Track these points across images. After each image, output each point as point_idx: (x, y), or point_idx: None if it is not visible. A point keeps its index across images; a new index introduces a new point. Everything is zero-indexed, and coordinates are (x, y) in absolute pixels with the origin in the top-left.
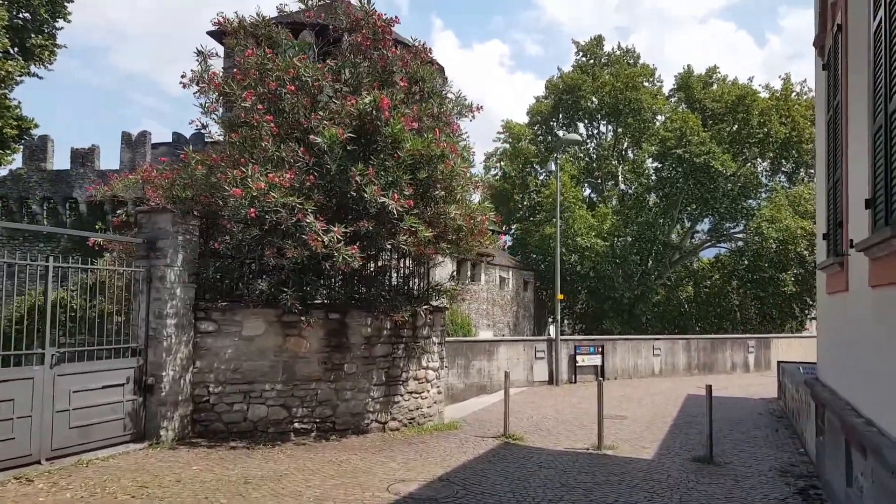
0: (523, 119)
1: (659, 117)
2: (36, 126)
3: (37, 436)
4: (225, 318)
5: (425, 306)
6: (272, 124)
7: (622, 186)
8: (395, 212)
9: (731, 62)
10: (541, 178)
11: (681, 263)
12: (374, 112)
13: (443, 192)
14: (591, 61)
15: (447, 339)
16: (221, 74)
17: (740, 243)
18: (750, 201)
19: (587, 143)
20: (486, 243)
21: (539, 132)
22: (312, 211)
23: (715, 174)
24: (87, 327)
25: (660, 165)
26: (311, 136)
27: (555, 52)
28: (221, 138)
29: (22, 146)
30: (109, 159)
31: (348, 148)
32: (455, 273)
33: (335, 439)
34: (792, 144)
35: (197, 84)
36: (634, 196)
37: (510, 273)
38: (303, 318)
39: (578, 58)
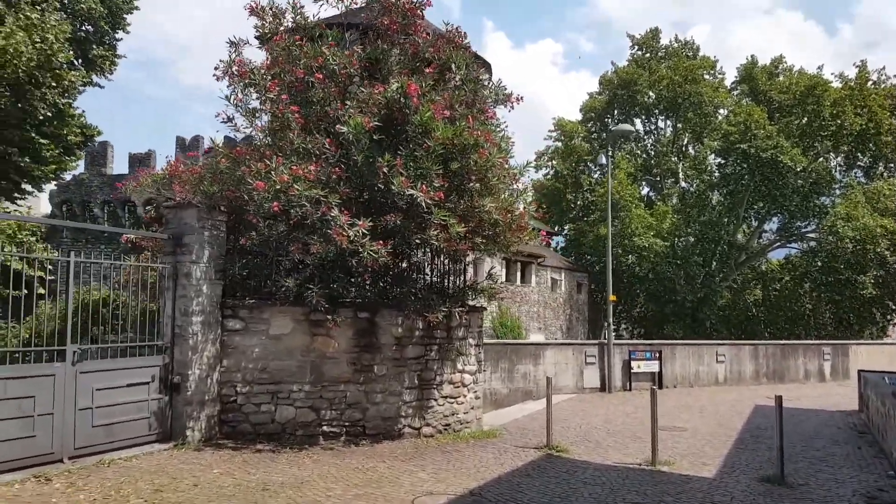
0: (576, 116)
1: (721, 111)
2: (99, 133)
3: (59, 434)
4: (252, 315)
5: (460, 307)
6: (297, 115)
7: (683, 184)
8: (423, 205)
9: (798, 54)
10: (594, 176)
11: (747, 265)
12: (402, 99)
13: (478, 185)
14: (647, 55)
15: (489, 341)
16: (251, 63)
17: (813, 243)
18: (823, 198)
19: (645, 140)
20: (525, 239)
21: (593, 129)
22: (337, 204)
23: (783, 170)
24: (112, 325)
25: (723, 161)
26: (337, 126)
27: (610, 48)
28: (249, 131)
29: (84, 152)
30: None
31: (375, 138)
32: (493, 270)
33: (366, 444)
34: (869, 137)
35: (226, 74)
36: (696, 194)
37: (562, 275)
38: (329, 316)
39: (633, 52)
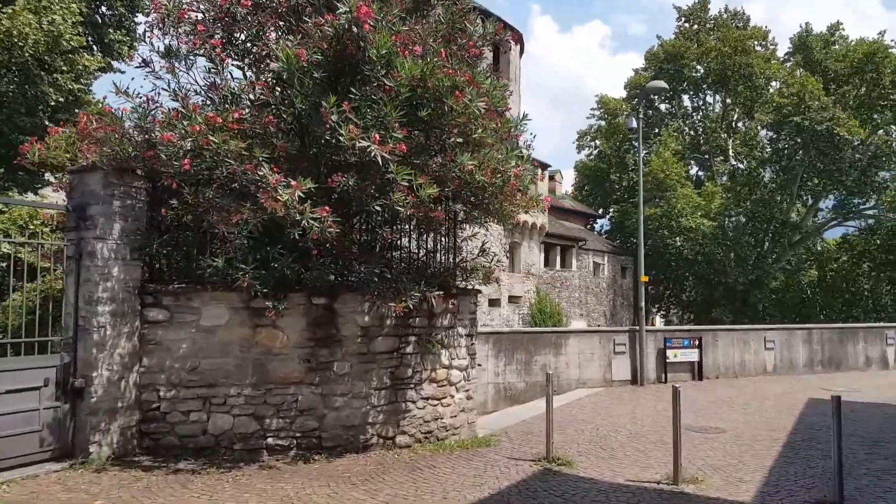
0: (621, 94)
1: (773, 83)
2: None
3: None
4: (179, 304)
5: (440, 290)
6: (218, 49)
7: (733, 162)
8: (379, 160)
9: (855, 26)
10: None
11: (802, 245)
12: (353, 29)
13: (460, 140)
14: (696, 27)
15: (503, 329)
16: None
17: (871, 220)
18: (882, 173)
19: (692, 116)
20: (522, 206)
21: (637, 107)
22: (267, 160)
23: (840, 143)
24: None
25: (775, 136)
26: (271, 64)
27: (660, 29)
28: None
29: None
30: None
31: (319, 77)
32: (486, 245)
33: (320, 460)
34: None
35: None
36: (747, 171)
37: (605, 258)
38: (270, 303)
39: (680, 24)
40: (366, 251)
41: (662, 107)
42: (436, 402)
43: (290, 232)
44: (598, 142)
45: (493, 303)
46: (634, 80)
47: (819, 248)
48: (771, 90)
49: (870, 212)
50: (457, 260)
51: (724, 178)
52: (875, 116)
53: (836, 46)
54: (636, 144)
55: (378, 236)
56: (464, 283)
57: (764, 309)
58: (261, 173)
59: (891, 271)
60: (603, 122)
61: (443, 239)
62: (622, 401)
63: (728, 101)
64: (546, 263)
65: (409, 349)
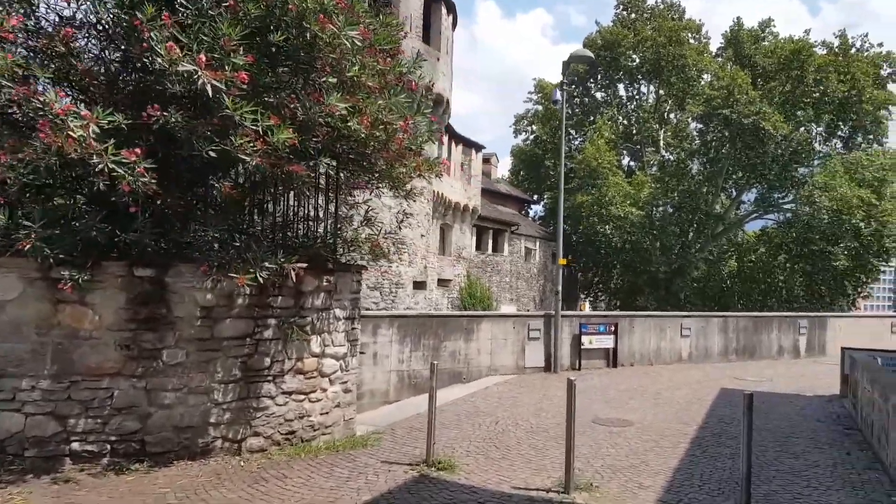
0: (558, 80)
1: (705, 76)
2: None
3: None
4: None
5: (301, 264)
6: None
7: (663, 153)
8: (209, 90)
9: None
10: (575, 142)
11: (724, 236)
12: None
13: (333, 80)
14: (633, 15)
15: (408, 312)
16: None
17: (789, 215)
18: (801, 169)
19: (627, 106)
20: (415, 169)
21: (575, 93)
22: (49, 79)
23: (765, 137)
24: None
25: (704, 128)
26: None
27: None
28: None
29: None
30: None
31: None
32: (371, 213)
33: (141, 469)
34: (851, 104)
35: None
36: (676, 163)
37: (537, 244)
38: (67, 273)
39: (619, 12)
40: (214, 212)
41: (598, 95)
42: (302, 396)
43: (95, 181)
44: (534, 127)
45: (419, 286)
46: (573, 68)
47: (739, 240)
48: (702, 83)
49: (788, 206)
50: (337, 229)
51: (654, 169)
52: (798, 113)
53: (766, 42)
54: (572, 131)
55: (215, 191)
56: (346, 258)
57: (686, 297)
58: (43, 98)
59: (804, 263)
60: (540, 107)
61: (325, 204)
62: (532, 389)
63: (661, 91)
64: (478, 247)
65: (268, 334)
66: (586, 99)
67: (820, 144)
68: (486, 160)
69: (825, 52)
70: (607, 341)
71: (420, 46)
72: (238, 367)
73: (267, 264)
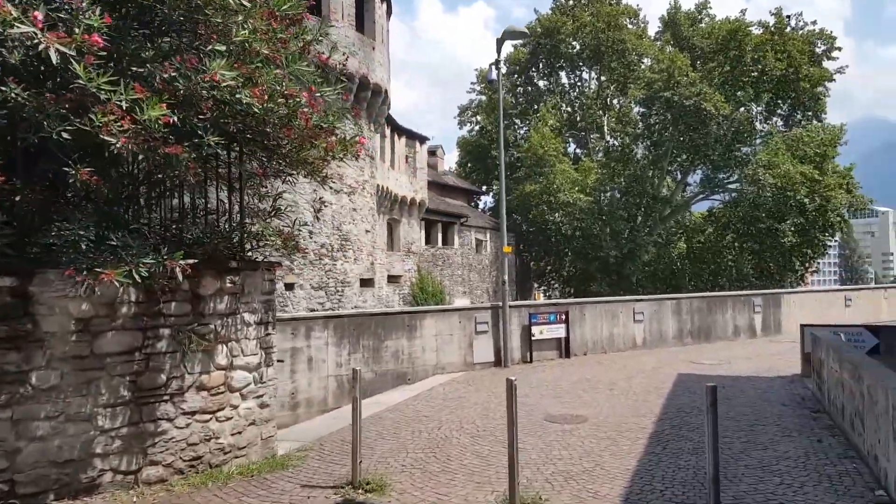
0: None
1: (645, 60)
2: None
3: None
4: None
5: (188, 260)
6: None
7: (608, 138)
8: (52, 55)
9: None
10: (521, 132)
11: (673, 219)
12: None
13: (221, 47)
14: (571, 2)
15: (346, 312)
16: None
17: (735, 194)
18: (744, 148)
19: (570, 93)
20: (329, 151)
21: (518, 82)
22: None
23: (706, 118)
24: None
25: (647, 112)
26: None
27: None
28: None
29: None
30: None
31: None
32: (281, 203)
33: None
34: (789, 82)
35: None
36: (621, 147)
37: (488, 235)
38: None
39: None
40: (83, 206)
41: (541, 84)
42: (207, 416)
43: None
44: (479, 117)
45: (366, 283)
46: (514, 57)
47: (688, 222)
48: (643, 66)
49: (733, 185)
50: (242, 222)
51: (600, 155)
52: (738, 94)
53: (703, 24)
54: (517, 121)
55: (74, 180)
56: (257, 254)
57: (637, 281)
58: None
59: (752, 242)
60: (484, 97)
61: (229, 195)
62: (480, 387)
63: (603, 77)
64: (427, 241)
65: (162, 346)
66: (529, 88)
67: (761, 123)
68: (433, 152)
69: (761, 31)
70: (558, 331)
71: (353, 35)
72: (126, 386)
73: (145, 261)
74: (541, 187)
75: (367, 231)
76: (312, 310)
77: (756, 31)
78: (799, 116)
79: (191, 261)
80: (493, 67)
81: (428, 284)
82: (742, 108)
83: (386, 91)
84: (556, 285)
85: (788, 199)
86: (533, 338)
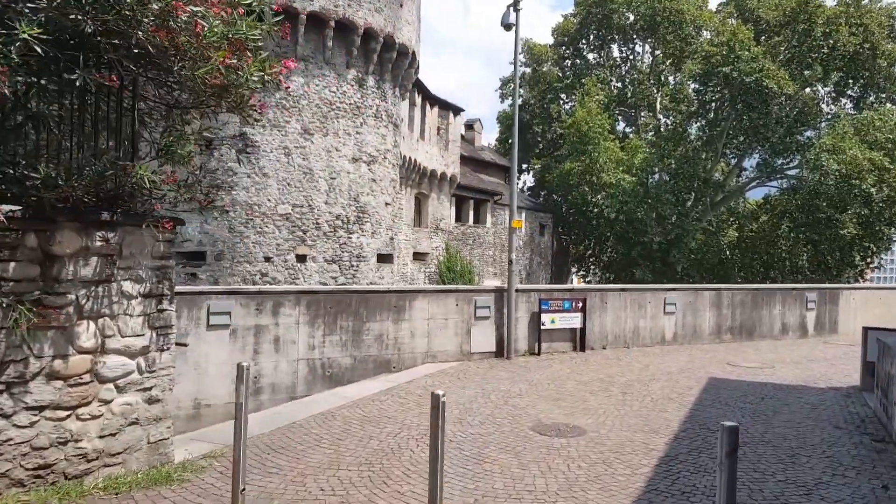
0: (548, 41)
1: (704, 33)
2: None
3: None
4: None
5: (18, 208)
6: None
7: (660, 117)
8: None
9: None
10: (566, 106)
11: (725, 205)
12: None
13: None
14: None
15: (318, 287)
16: None
17: (794, 182)
18: (808, 132)
19: (620, 67)
20: (215, 66)
21: (566, 54)
22: None
23: (768, 96)
24: None
25: (702, 88)
26: None
27: None
28: None
29: None
30: None
31: None
32: (166, 138)
33: None
34: (863, 60)
35: None
36: (672, 126)
37: (523, 215)
38: None
39: None
40: None
41: (590, 57)
42: (63, 413)
43: None
44: (522, 90)
45: (384, 259)
46: (563, 27)
47: (741, 209)
48: (701, 39)
49: (792, 172)
50: (118, 160)
51: (651, 134)
52: (805, 72)
53: None
54: (563, 95)
55: None
56: (144, 206)
57: (683, 269)
58: None
59: (809, 232)
60: (528, 70)
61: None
62: (470, 382)
63: (657, 51)
64: (458, 218)
65: None
66: (578, 61)
67: (828, 105)
68: (470, 126)
69: (835, 3)
70: (573, 320)
71: None
72: None
73: None
74: (583, 166)
75: (387, 204)
76: (324, 283)
77: (830, 2)
78: (872, 98)
79: (14, 207)
80: (511, 9)
81: (456, 263)
82: (808, 88)
83: (414, 53)
84: (596, 270)
85: (853, 187)
86: (543, 327)
